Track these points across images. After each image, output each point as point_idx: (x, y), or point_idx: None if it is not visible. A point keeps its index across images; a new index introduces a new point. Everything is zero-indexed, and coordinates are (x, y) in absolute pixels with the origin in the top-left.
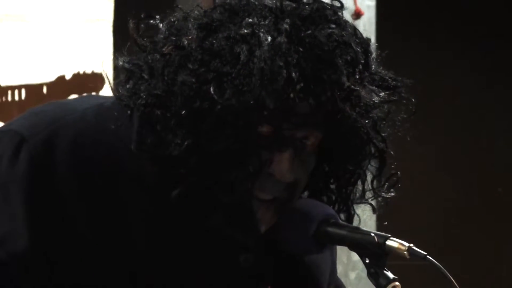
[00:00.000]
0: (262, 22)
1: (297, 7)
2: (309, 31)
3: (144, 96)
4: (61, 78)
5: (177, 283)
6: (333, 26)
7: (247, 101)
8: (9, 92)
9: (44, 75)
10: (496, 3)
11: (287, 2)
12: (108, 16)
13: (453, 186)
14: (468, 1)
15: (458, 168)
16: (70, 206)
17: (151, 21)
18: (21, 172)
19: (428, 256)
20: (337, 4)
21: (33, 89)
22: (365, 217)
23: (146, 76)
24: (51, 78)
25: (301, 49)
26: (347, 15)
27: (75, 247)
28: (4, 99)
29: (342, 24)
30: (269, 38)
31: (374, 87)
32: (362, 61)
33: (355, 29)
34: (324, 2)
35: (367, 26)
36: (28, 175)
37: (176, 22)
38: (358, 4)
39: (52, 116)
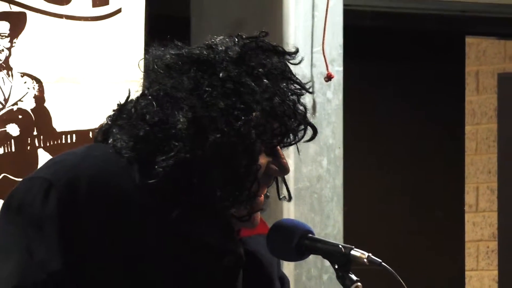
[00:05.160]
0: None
1: (255, 55)
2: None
3: (172, 160)
4: (101, 126)
5: (177, 283)
6: (282, 63)
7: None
8: (63, 136)
9: (90, 123)
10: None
11: (241, 53)
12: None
13: (401, 211)
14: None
15: (401, 197)
16: (92, 234)
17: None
18: (51, 210)
19: (383, 263)
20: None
21: (81, 134)
22: (336, 232)
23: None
24: (96, 125)
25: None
26: (320, 77)
27: (98, 265)
28: (59, 141)
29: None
30: (261, 84)
31: None
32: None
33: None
34: (265, 47)
35: (336, 86)
36: (57, 212)
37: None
38: (329, 69)
39: (71, 164)
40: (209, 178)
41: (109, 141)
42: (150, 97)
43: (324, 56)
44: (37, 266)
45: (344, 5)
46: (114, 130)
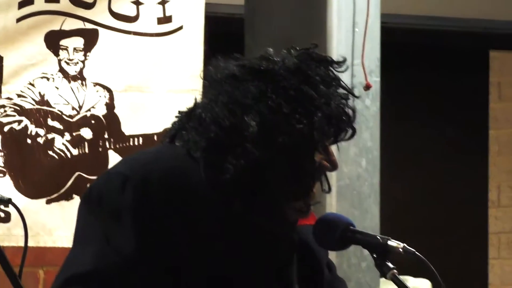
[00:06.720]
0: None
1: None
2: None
3: (243, 160)
4: (166, 130)
5: (238, 265)
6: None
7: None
8: (131, 139)
9: (154, 127)
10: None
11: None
12: (199, 87)
13: (431, 205)
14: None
15: (431, 194)
16: (163, 222)
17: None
18: (128, 201)
19: (416, 252)
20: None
21: (147, 137)
22: (373, 225)
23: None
24: (160, 129)
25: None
26: (359, 87)
27: (168, 250)
28: (127, 144)
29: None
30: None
31: None
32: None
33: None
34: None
35: (374, 95)
36: (132, 203)
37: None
38: (368, 80)
39: (144, 160)
40: (275, 175)
41: (177, 142)
42: (220, 103)
43: (363, 67)
44: (112, 251)
45: (382, 22)
46: (183, 132)
